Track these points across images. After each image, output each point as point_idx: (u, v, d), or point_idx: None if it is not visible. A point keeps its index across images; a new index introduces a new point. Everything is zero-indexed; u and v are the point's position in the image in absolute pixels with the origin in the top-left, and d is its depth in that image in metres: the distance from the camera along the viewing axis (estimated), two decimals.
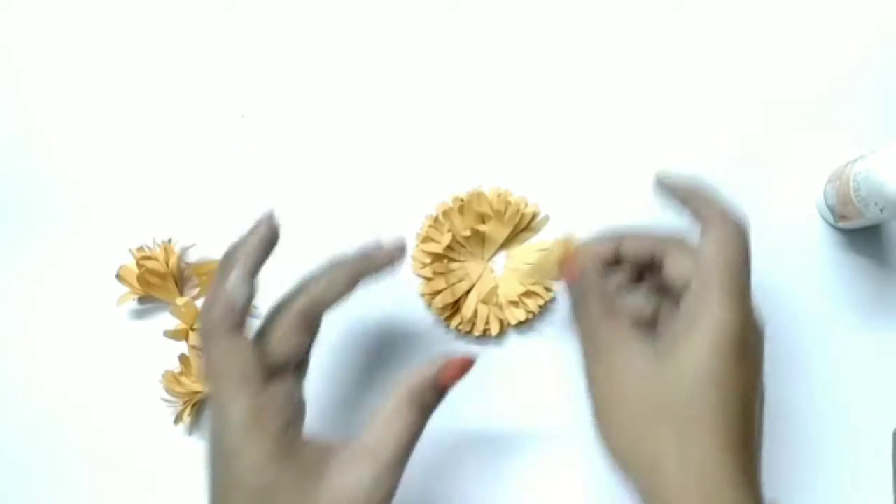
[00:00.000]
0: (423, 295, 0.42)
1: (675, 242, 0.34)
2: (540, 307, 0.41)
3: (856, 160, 0.38)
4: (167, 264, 0.41)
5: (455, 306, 0.41)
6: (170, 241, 0.43)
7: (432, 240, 0.42)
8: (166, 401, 0.41)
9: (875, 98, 0.44)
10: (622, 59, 0.45)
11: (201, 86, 0.45)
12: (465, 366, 0.33)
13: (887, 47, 0.44)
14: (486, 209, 0.41)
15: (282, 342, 0.32)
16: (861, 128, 0.43)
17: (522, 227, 0.42)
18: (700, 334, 0.30)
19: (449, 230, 0.41)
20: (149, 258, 0.41)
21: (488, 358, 0.41)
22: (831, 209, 0.41)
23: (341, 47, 0.45)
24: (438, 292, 0.41)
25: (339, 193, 0.44)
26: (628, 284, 0.36)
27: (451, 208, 0.42)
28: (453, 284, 0.41)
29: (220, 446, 0.30)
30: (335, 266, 0.34)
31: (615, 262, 0.36)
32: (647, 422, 0.30)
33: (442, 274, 0.41)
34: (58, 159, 0.45)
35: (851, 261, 0.42)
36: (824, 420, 0.41)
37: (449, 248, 0.41)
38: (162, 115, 0.45)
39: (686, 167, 0.43)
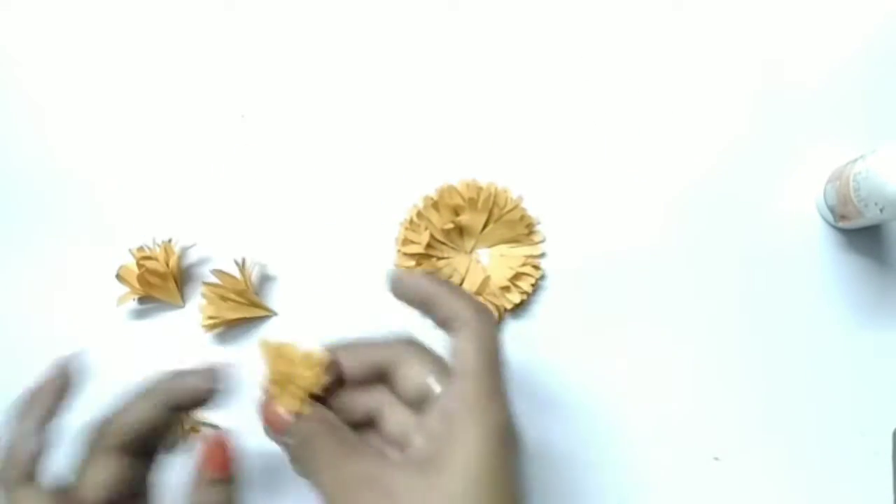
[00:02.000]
0: None
1: (405, 349, 0.31)
2: (532, 286, 0.41)
3: (856, 160, 0.38)
4: (167, 264, 0.41)
5: None
6: (170, 241, 0.43)
7: (412, 242, 0.42)
8: None
9: (875, 98, 0.44)
10: (620, 57, 0.45)
11: (202, 86, 0.45)
12: (221, 447, 0.32)
13: (887, 47, 0.44)
14: (458, 201, 0.41)
15: (93, 481, 0.31)
16: (861, 128, 0.43)
17: (500, 210, 0.42)
18: (469, 438, 0.28)
19: (426, 228, 0.41)
20: (149, 258, 0.41)
21: None
22: (831, 209, 0.41)
23: (340, 49, 0.45)
24: None
25: (338, 193, 0.44)
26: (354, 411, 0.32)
27: (424, 208, 0.42)
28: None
29: None
30: (145, 391, 0.32)
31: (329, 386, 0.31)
32: None
33: (433, 273, 0.41)
34: (58, 159, 0.45)
35: (851, 261, 0.42)
36: (824, 420, 0.41)
37: (430, 247, 0.41)
38: (162, 116, 0.45)
39: (686, 167, 0.43)
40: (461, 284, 0.42)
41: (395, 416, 0.31)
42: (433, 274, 0.32)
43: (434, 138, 0.44)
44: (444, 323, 0.30)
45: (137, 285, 0.41)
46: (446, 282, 0.33)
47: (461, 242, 0.42)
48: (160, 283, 0.41)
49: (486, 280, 0.41)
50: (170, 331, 0.43)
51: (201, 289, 0.42)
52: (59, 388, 0.32)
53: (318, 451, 0.29)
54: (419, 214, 0.42)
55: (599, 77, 0.45)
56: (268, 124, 0.45)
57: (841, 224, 0.41)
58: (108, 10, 0.46)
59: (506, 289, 0.41)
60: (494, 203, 0.42)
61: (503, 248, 0.42)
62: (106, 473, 0.31)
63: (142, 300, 0.43)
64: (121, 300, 0.42)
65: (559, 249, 0.43)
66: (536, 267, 0.42)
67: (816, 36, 0.45)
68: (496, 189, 0.42)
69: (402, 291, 0.32)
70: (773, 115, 0.44)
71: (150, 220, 0.43)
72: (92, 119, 0.45)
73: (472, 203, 0.41)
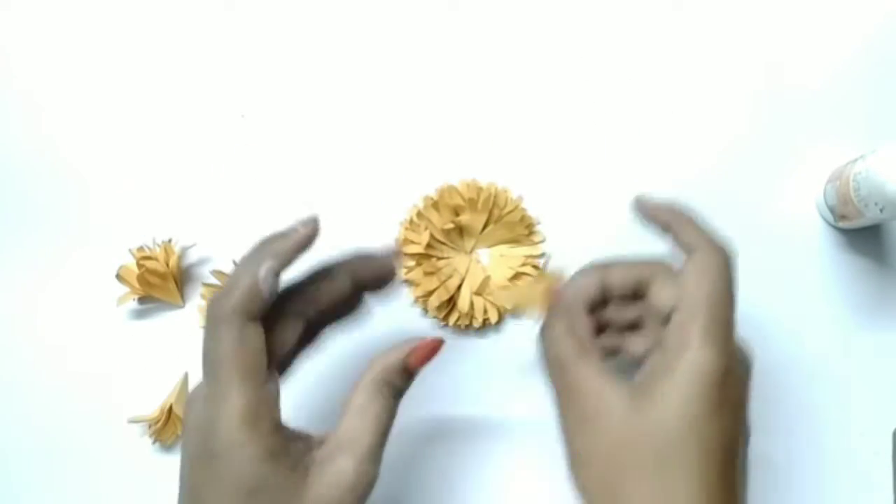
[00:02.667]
0: (416, 299, 0.41)
1: (662, 268, 0.32)
2: None
3: (856, 160, 0.38)
4: (167, 264, 0.41)
5: (450, 303, 0.41)
6: (170, 241, 0.42)
7: (412, 242, 0.42)
8: (134, 421, 0.41)
9: (875, 98, 0.44)
10: (621, 57, 0.45)
11: (201, 86, 0.45)
12: (435, 348, 0.32)
13: (887, 48, 0.44)
14: (458, 201, 0.41)
15: (282, 340, 0.31)
16: (861, 128, 0.43)
17: (500, 211, 0.42)
18: (679, 376, 0.28)
19: (426, 228, 0.41)
20: (149, 258, 0.41)
21: (492, 346, 0.42)
22: (831, 209, 0.41)
23: (340, 49, 0.45)
24: (431, 292, 0.41)
25: (338, 193, 0.44)
26: (619, 323, 0.34)
27: (424, 208, 0.42)
28: (445, 281, 0.41)
29: (208, 441, 0.28)
30: (337, 266, 0.33)
31: (602, 300, 0.34)
32: (624, 468, 0.28)
33: (432, 273, 0.41)
34: (58, 159, 0.45)
35: (851, 261, 0.42)
36: (824, 420, 0.41)
37: (430, 247, 0.41)
38: (162, 116, 0.45)
39: (685, 167, 0.43)
40: (461, 285, 0.42)
41: (641, 336, 0.33)
42: (675, 203, 0.32)
43: (434, 138, 0.44)
44: (677, 248, 0.32)
45: (137, 285, 0.41)
46: (686, 209, 0.33)
47: (461, 242, 0.42)
48: (160, 283, 0.41)
49: (487, 280, 0.41)
50: (170, 331, 0.43)
51: (201, 289, 0.42)
52: (302, 243, 0.31)
53: (559, 345, 0.31)
54: (419, 214, 0.42)
55: (600, 77, 0.44)
56: (268, 124, 0.45)
57: (841, 224, 0.41)
58: (109, 10, 0.46)
59: (506, 289, 0.41)
60: (494, 203, 0.42)
61: (503, 248, 0.42)
62: (292, 336, 0.32)
63: (142, 300, 0.43)
64: (121, 300, 0.42)
65: (559, 249, 0.42)
66: (536, 267, 0.42)
67: (817, 36, 0.45)
68: (496, 189, 0.42)
69: (645, 212, 0.34)
70: (773, 115, 0.44)
71: (150, 220, 0.43)
72: (92, 119, 0.45)
73: (472, 203, 0.41)
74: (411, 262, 0.41)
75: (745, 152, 0.43)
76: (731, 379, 0.29)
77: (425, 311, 0.42)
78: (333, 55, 0.45)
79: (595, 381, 0.30)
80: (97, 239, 0.43)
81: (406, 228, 0.42)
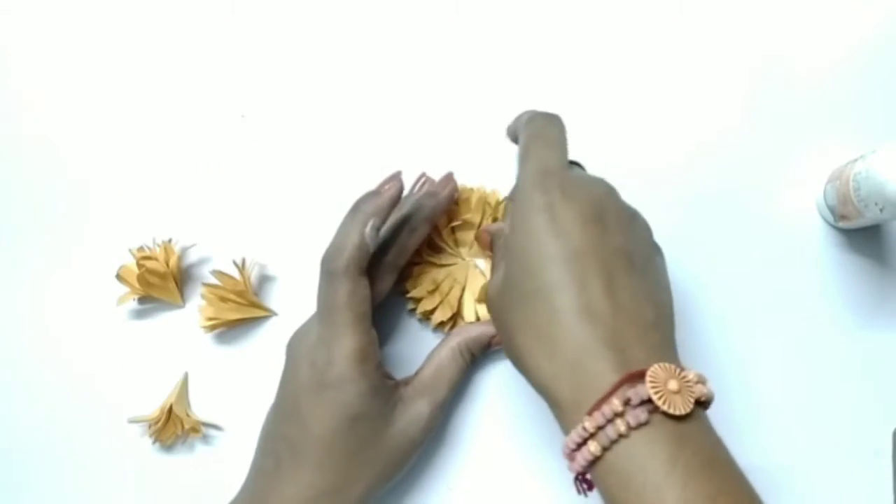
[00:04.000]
0: (419, 315, 0.41)
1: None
2: None
3: (856, 160, 0.38)
4: (167, 264, 0.41)
5: (453, 317, 0.41)
6: (170, 241, 0.43)
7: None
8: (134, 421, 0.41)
9: (875, 98, 0.44)
10: (618, 57, 0.45)
11: (202, 86, 0.45)
12: None
13: (887, 48, 0.44)
14: (451, 204, 0.41)
15: (379, 290, 0.38)
16: (861, 128, 0.43)
17: (493, 211, 0.41)
18: (515, 215, 0.31)
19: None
20: (149, 258, 0.41)
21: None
22: (831, 209, 0.41)
23: (340, 49, 0.45)
24: (434, 309, 0.40)
25: (338, 193, 0.44)
26: None
27: None
28: (447, 295, 0.41)
29: (323, 374, 0.34)
30: (415, 215, 0.38)
31: None
32: (512, 325, 0.30)
33: (434, 290, 0.40)
34: (58, 159, 0.45)
35: (851, 261, 0.42)
36: (824, 420, 0.41)
37: (428, 255, 0.41)
38: (162, 116, 0.45)
39: (685, 167, 0.43)
40: (462, 293, 0.41)
41: None
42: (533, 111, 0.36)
43: (434, 138, 0.44)
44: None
45: (137, 285, 0.41)
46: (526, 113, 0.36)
47: (457, 249, 0.42)
48: (160, 283, 0.42)
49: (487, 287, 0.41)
50: (170, 331, 0.43)
51: (201, 290, 0.42)
52: (394, 198, 0.36)
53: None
54: None
55: (598, 77, 0.45)
56: (268, 124, 0.45)
57: (841, 224, 0.41)
58: (109, 10, 0.46)
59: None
60: (486, 203, 0.41)
61: None
62: (388, 286, 0.39)
63: (142, 300, 0.43)
64: (121, 300, 0.42)
65: None
66: None
67: (817, 36, 0.45)
68: (485, 191, 0.42)
69: (511, 138, 0.37)
70: (773, 114, 0.44)
71: (150, 220, 0.43)
72: (92, 119, 0.45)
73: (465, 204, 0.41)
74: (411, 273, 0.41)
75: (745, 152, 0.43)
76: (559, 204, 0.30)
77: (428, 324, 0.41)
78: (333, 56, 0.45)
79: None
80: (97, 239, 0.44)
81: None
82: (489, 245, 0.37)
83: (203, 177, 0.44)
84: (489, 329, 0.39)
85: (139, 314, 0.43)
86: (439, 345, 0.39)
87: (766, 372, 0.41)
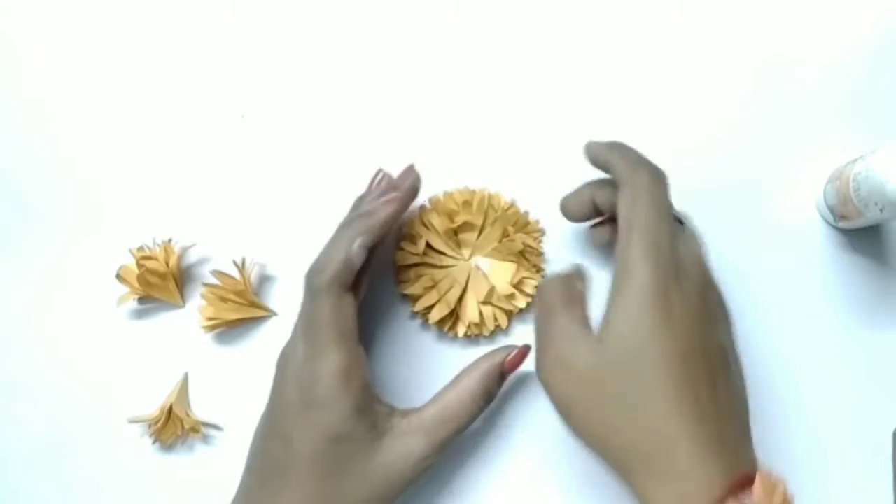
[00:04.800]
0: (418, 314, 0.41)
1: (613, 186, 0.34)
2: (536, 289, 0.41)
3: (856, 160, 0.38)
4: (167, 264, 0.41)
5: (453, 315, 0.41)
6: (170, 241, 0.43)
7: (410, 253, 0.41)
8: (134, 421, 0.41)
9: (875, 98, 0.44)
10: (619, 57, 0.45)
11: (202, 86, 0.45)
12: (526, 352, 0.37)
13: (887, 47, 0.44)
14: (452, 206, 0.41)
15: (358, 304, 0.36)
16: (861, 128, 0.43)
17: (495, 213, 0.41)
18: (621, 301, 0.29)
19: (421, 236, 0.41)
20: (149, 258, 0.41)
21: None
22: (831, 209, 0.41)
23: (340, 48, 0.45)
24: (432, 307, 0.40)
25: (338, 193, 0.44)
26: None
27: (420, 215, 0.41)
28: (444, 294, 0.40)
29: (308, 392, 0.33)
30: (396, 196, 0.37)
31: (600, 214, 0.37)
32: (602, 408, 0.29)
33: (431, 287, 0.40)
34: (58, 159, 0.45)
35: (851, 261, 0.42)
36: (824, 420, 0.41)
37: (427, 256, 0.41)
38: (162, 116, 0.45)
39: (685, 166, 0.43)
40: (462, 295, 0.41)
41: None
42: (616, 142, 0.34)
43: (434, 139, 0.44)
44: (618, 182, 0.33)
45: (137, 285, 0.41)
46: (619, 142, 0.34)
47: (459, 251, 0.42)
48: (160, 283, 0.42)
49: (492, 290, 0.41)
50: (170, 331, 0.43)
51: (201, 290, 0.42)
52: (391, 218, 0.36)
53: (549, 297, 0.33)
54: (416, 223, 0.41)
55: (598, 78, 0.44)
56: (268, 124, 0.45)
57: (841, 224, 0.41)
58: (109, 10, 0.46)
59: (510, 296, 0.41)
60: (489, 205, 0.41)
61: (501, 250, 0.42)
62: (361, 295, 0.37)
63: (142, 300, 0.43)
64: (121, 300, 0.42)
65: (559, 251, 0.42)
66: (539, 269, 0.41)
67: (817, 36, 0.45)
68: (489, 193, 0.42)
69: (591, 158, 0.36)
70: (773, 115, 0.44)
71: (150, 220, 0.43)
72: (92, 118, 0.45)
73: (466, 206, 0.41)
74: (410, 275, 0.41)
75: (745, 152, 0.43)
76: (675, 293, 0.29)
77: (426, 322, 0.41)
78: (333, 56, 0.45)
79: (571, 328, 0.31)
80: (97, 239, 0.44)
81: (401, 239, 0.42)
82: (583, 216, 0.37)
83: (203, 177, 0.44)
84: (498, 357, 0.36)
85: (139, 314, 0.43)
86: (450, 384, 0.36)
87: (766, 372, 0.41)
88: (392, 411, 0.35)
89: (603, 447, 0.30)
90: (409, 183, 0.38)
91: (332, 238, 0.35)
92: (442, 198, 0.42)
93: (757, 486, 0.26)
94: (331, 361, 0.33)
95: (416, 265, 0.41)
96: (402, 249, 0.41)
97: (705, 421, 0.27)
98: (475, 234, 0.41)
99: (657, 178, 0.32)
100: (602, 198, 0.36)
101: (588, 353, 0.30)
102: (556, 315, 0.32)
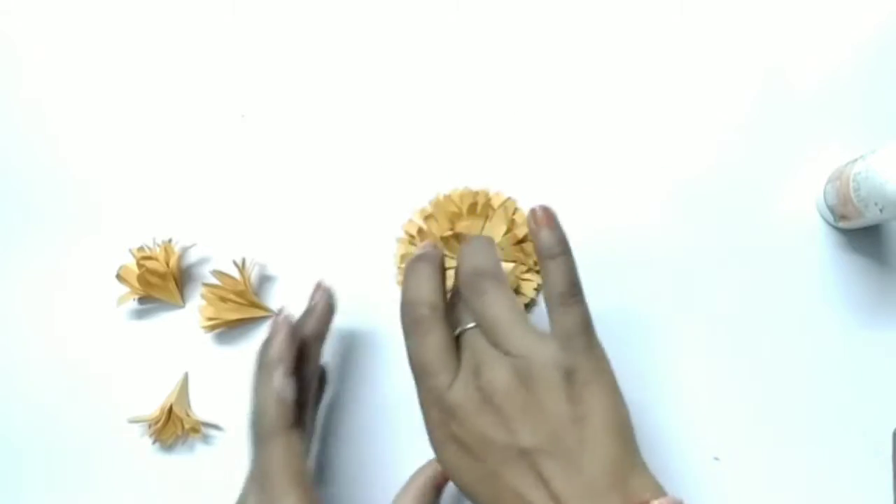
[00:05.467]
0: None
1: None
2: (536, 290, 0.41)
3: (856, 160, 0.38)
4: (167, 264, 0.41)
5: None
6: (170, 241, 0.43)
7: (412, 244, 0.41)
8: (134, 421, 0.41)
9: (875, 98, 0.44)
10: (621, 58, 0.45)
11: (202, 86, 0.45)
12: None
13: (887, 48, 0.44)
14: (454, 208, 0.41)
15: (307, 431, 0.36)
16: (861, 128, 0.43)
17: (504, 218, 0.41)
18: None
19: (423, 240, 0.41)
20: (149, 258, 0.41)
21: None
22: (831, 209, 0.41)
23: (340, 49, 0.45)
24: None
25: (338, 193, 0.44)
26: None
27: (423, 219, 0.41)
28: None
29: None
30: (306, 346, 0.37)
31: None
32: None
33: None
34: (58, 159, 0.45)
35: (851, 261, 0.42)
36: (824, 420, 0.41)
37: None
38: (162, 116, 0.45)
39: (685, 166, 0.43)
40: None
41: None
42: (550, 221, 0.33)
43: (434, 139, 0.44)
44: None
45: (137, 285, 0.41)
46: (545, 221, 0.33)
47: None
48: (160, 283, 0.41)
49: None
50: (170, 331, 0.43)
51: (201, 290, 0.42)
52: (291, 338, 0.35)
53: None
54: (419, 229, 0.41)
55: (600, 79, 0.44)
56: (268, 124, 0.45)
57: (841, 224, 0.41)
58: (110, 9, 0.46)
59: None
60: (490, 206, 0.41)
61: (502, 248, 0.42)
62: (311, 425, 0.38)
63: (142, 300, 0.43)
64: (121, 300, 0.42)
65: None
66: (538, 272, 0.41)
67: (817, 36, 0.45)
68: (490, 194, 0.42)
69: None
70: (773, 115, 0.44)
71: (150, 220, 0.43)
72: (92, 118, 0.45)
73: (471, 209, 0.41)
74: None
75: (745, 152, 0.43)
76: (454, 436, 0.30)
77: None
78: (333, 56, 0.45)
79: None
80: (97, 239, 0.44)
81: (402, 244, 0.42)
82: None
83: (203, 177, 0.44)
84: (429, 470, 0.36)
85: (139, 314, 0.43)
86: (401, 491, 0.36)
87: (766, 371, 0.41)
88: None
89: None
90: (322, 301, 0.38)
91: (253, 386, 0.35)
92: (442, 200, 0.42)
93: None
94: None
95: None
96: (405, 255, 0.41)
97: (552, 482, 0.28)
98: (478, 233, 0.41)
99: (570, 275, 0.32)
100: None
101: (462, 391, 0.31)
102: None
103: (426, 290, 0.32)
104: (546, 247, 0.32)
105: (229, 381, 0.42)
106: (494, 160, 0.44)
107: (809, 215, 0.43)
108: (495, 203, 0.42)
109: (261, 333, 0.42)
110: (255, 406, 0.34)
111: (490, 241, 0.34)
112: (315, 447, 0.41)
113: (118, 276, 0.42)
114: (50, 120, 0.45)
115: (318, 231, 0.42)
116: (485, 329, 0.31)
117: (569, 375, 0.29)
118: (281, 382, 0.33)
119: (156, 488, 0.42)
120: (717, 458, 0.40)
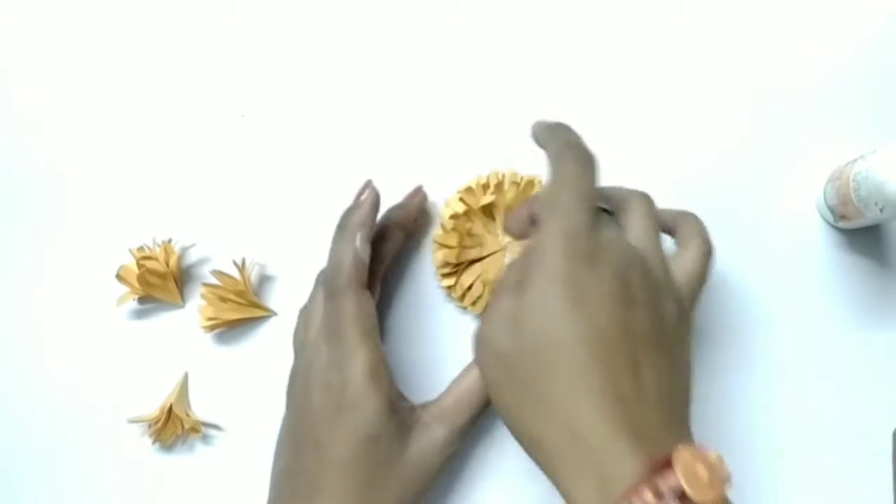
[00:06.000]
0: (466, 307, 0.41)
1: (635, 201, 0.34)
2: None
3: (856, 160, 0.38)
4: (167, 264, 0.41)
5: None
6: (170, 241, 0.43)
7: (446, 247, 0.41)
8: (134, 421, 0.41)
9: (875, 98, 0.44)
10: (620, 58, 0.45)
11: (202, 86, 0.45)
12: None
13: (887, 48, 0.44)
14: (481, 190, 0.41)
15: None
16: (861, 128, 0.43)
17: (514, 191, 0.41)
18: (533, 286, 0.28)
19: (453, 228, 0.40)
20: (149, 258, 0.41)
21: None
22: (831, 209, 0.41)
23: (341, 48, 0.45)
24: (480, 297, 0.41)
25: (338, 193, 0.44)
26: None
27: (445, 213, 0.41)
28: (489, 283, 0.41)
29: (339, 395, 0.33)
30: (387, 225, 0.39)
31: None
32: (515, 392, 0.28)
33: (475, 278, 0.41)
34: (58, 159, 0.45)
35: (851, 261, 0.42)
36: (824, 420, 0.41)
37: (463, 247, 0.41)
38: (162, 115, 0.45)
39: (685, 167, 0.43)
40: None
41: None
42: (557, 124, 0.33)
43: (434, 140, 0.44)
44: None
45: (137, 285, 0.41)
46: (555, 127, 0.33)
47: (490, 239, 0.41)
48: (160, 283, 0.42)
49: None
50: (170, 331, 0.43)
51: (201, 290, 0.42)
52: (374, 206, 0.37)
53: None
54: (449, 216, 0.41)
55: (600, 78, 0.44)
56: (268, 124, 0.45)
57: (841, 224, 0.41)
58: (109, 9, 0.46)
59: None
60: (510, 182, 0.41)
61: None
62: (376, 296, 0.39)
63: (142, 300, 0.43)
64: (121, 300, 0.42)
65: None
66: None
67: (817, 36, 0.44)
68: (517, 174, 0.42)
69: (534, 140, 0.35)
70: (773, 114, 0.44)
71: (150, 220, 0.43)
72: (92, 118, 0.45)
73: (498, 187, 0.41)
74: (447, 270, 0.41)
75: (745, 152, 0.43)
76: (589, 278, 0.28)
77: (475, 313, 0.41)
78: (333, 56, 0.45)
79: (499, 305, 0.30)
80: (97, 239, 0.44)
81: (436, 240, 0.42)
82: (522, 233, 0.35)
83: (203, 177, 0.44)
84: None
85: (139, 314, 0.43)
86: (461, 373, 0.37)
87: (766, 372, 0.41)
88: (413, 405, 0.36)
89: (520, 437, 0.28)
90: (417, 200, 0.41)
91: (333, 242, 0.36)
92: (455, 195, 0.42)
93: (676, 464, 0.24)
94: (359, 361, 0.33)
95: (458, 263, 0.41)
96: (439, 248, 0.41)
97: (622, 405, 0.26)
98: (501, 216, 0.41)
99: (583, 165, 0.30)
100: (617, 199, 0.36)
101: (507, 336, 0.28)
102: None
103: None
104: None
105: (229, 381, 0.42)
106: (494, 162, 0.44)
107: (809, 215, 0.43)
108: (514, 178, 0.41)
109: (261, 333, 0.42)
110: (333, 262, 0.35)
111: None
112: None
113: (118, 276, 0.42)
114: (49, 119, 0.45)
115: (318, 231, 0.42)
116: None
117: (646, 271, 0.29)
118: (362, 244, 0.35)
119: (156, 488, 0.42)
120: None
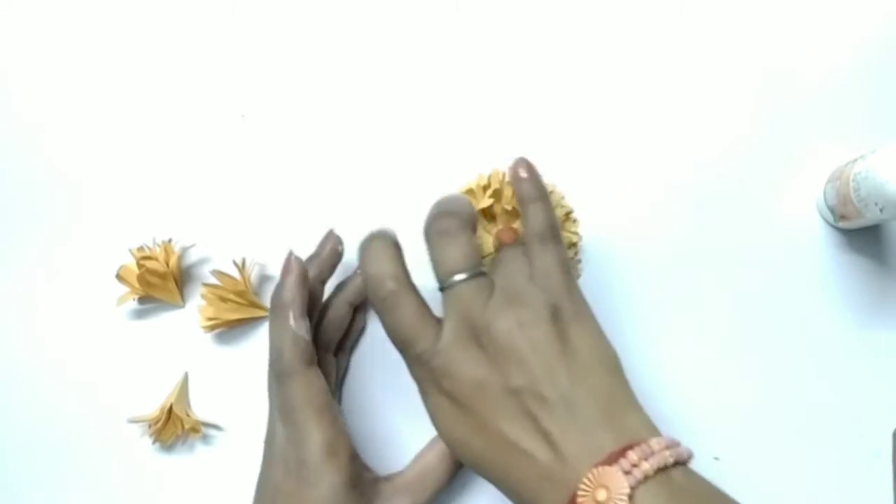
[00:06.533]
0: None
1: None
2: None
3: (856, 160, 0.38)
4: (167, 264, 0.41)
5: None
6: (170, 241, 0.43)
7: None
8: (134, 421, 0.41)
9: (875, 98, 0.44)
10: (621, 55, 0.45)
11: (201, 86, 0.45)
12: None
13: (887, 48, 0.44)
14: (481, 192, 0.40)
15: (327, 373, 0.38)
16: (861, 128, 0.43)
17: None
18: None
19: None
20: (149, 258, 0.41)
21: None
22: (831, 209, 0.41)
23: (342, 47, 0.45)
24: None
25: (337, 193, 0.44)
26: None
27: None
28: None
29: (297, 475, 0.33)
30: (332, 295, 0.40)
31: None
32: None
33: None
34: (58, 159, 0.45)
35: (851, 261, 0.42)
36: (824, 420, 0.41)
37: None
38: (162, 115, 0.45)
39: (685, 167, 0.43)
40: None
41: None
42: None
43: (434, 140, 0.44)
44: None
45: (137, 285, 0.41)
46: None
47: (491, 239, 0.41)
48: (160, 283, 0.42)
49: None
50: (170, 331, 0.43)
51: (201, 290, 0.42)
52: (302, 277, 0.36)
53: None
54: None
55: (601, 78, 0.44)
56: (268, 124, 0.45)
57: (841, 224, 0.41)
58: (109, 9, 0.46)
59: None
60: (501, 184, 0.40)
61: None
62: (331, 368, 0.39)
63: (142, 300, 0.43)
64: (121, 300, 0.42)
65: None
66: (576, 253, 0.41)
67: (817, 36, 0.44)
68: (501, 171, 0.41)
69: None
70: (773, 114, 0.44)
71: (150, 220, 0.43)
72: (92, 118, 0.45)
73: (496, 194, 0.40)
74: None
75: (745, 152, 0.43)
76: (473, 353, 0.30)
77: None
78: (334, 55, 0.45)
79: None
80: (97, 239, 0.44)
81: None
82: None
83: (203, 177, 0.44)
84: None
85: (139, 314, 0.43)
86: (426, 446, 0.38)
87: (766, 372, 0.41)
88: (377, 477, 0.36)
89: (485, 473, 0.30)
90: (329, 246, 0.40)
91: (270, 326, 0.36)
92: (475, 184, 0.41)
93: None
94: (313, 441, 0.33)
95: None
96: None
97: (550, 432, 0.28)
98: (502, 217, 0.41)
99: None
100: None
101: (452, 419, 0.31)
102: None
103: (385, 263, 0.32)
104: (527, 192, 0.34)
105: (229, 381, 0.42)
106: (494, 163, 0.43)
107: (809, 215, 0.43)
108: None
109: (261, 333, 0.42)
110: (272, 346, 0.35)
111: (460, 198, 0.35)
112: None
113: (118, 276, 0.42)
114: (49, 119, 0.45)
115: (318, 231, 0.42)
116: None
117: (554, 313, 0.30)
118: (297, 321, 0.34)
119: (156, 488, 0.42)
120: (716, 458, 0.40)
